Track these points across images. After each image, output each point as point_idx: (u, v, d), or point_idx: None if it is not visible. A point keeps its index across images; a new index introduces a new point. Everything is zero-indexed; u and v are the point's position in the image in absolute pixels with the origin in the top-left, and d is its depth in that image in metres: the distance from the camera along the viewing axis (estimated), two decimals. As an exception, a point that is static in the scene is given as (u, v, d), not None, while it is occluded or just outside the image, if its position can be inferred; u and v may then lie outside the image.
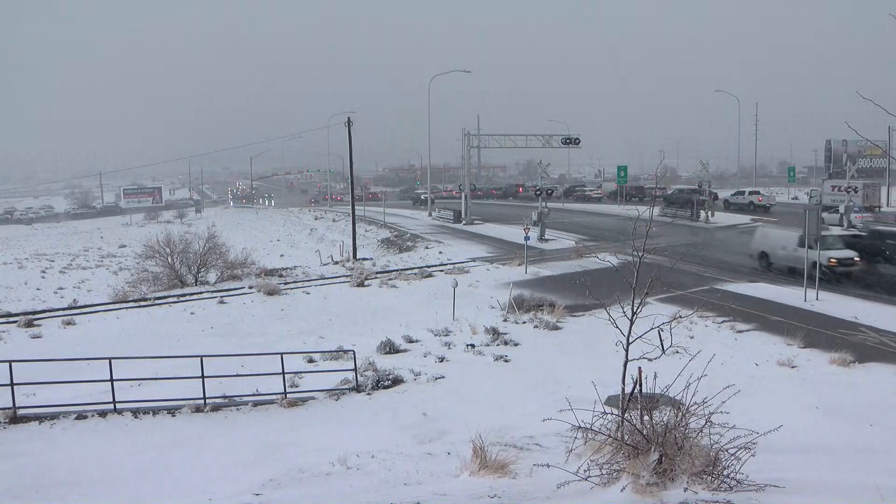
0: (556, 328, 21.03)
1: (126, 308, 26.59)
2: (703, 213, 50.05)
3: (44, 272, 46.21)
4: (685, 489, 6.47)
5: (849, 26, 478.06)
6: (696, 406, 7.06)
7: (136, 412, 13.67)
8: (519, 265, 31.71)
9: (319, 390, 15.38)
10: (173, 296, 28.79)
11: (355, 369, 15.90)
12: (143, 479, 10.53)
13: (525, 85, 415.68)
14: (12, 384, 13.06)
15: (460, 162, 75.75)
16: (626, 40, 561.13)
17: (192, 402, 14.07)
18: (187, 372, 14.54)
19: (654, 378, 7.37)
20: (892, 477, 7.57)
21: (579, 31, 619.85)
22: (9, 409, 13.07)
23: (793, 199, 66.67)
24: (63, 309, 27.17)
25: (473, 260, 34.88)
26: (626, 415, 7.25)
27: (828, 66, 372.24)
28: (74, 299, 31.14)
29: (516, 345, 19.38)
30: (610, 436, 7.14)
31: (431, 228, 51.31)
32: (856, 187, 44.92)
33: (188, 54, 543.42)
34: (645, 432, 6.94)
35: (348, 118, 40.79)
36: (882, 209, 48.82)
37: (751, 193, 60.06)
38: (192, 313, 25.13)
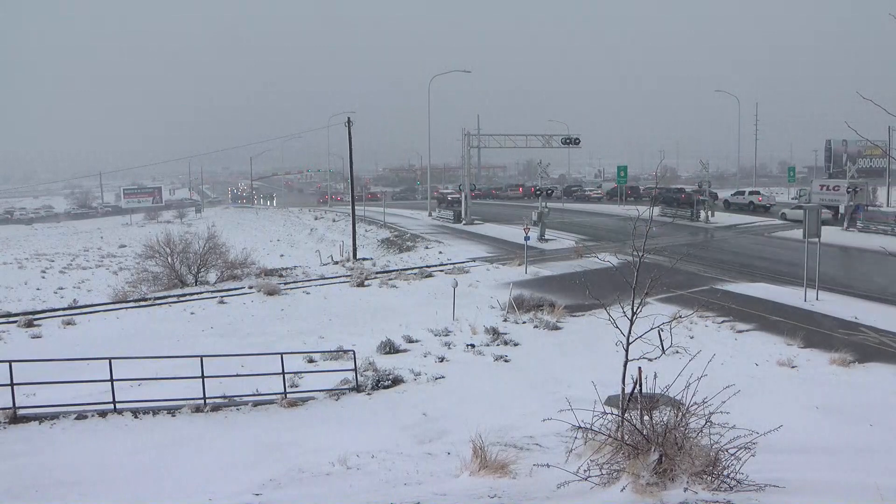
0: (556, 328, 21.02)
1: (126, 308, 26.59)
2: (703, 213, 50.12)
3: (44, 272, 46.21)
4: (685, 489, 6.46)
5: (849, 26, 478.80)
6: (696, 406, 7.05)
7: (136, 412, 13.66)
8: (519, 265, 31.70)
9: (319, 390, 15.37)
10: (173, 296, 28.79)
11: (355, 369, 15.89)
12: (143, 479, 10.52)
13: (525, 85, 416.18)
14: (12, 384, 13.05)
15: (460, 162, 75.70)
16: (626, 40, 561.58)
17: (192, 402, 14.06)
18: (187, 372, 14.54)
19: (654, 378, 7.36)
20: (892, 477, 7.57)
21: (579, 31, 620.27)
22: (9, 409, 13.06)
23: (793, 199, 66.73)
24: (63, 309, 27.18)
25: (473, 260, 34.87)
26: (626, 415, 7.25)
27: (828, 66, 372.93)
28: (74, 299, 31.14)
29: (516, 345, 19.37)
30: (610, 436, 7.13)
31: (431, 228, 51.31)
32: (855, 186, 44.87)
33: (188, 54, 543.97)
34: (645, 432, 6.94)
35: (348, 118, 40.78)
36: (883, 209, 48.86)
37: (751, 193, 60.12)
38: (192, 313, 25.13)
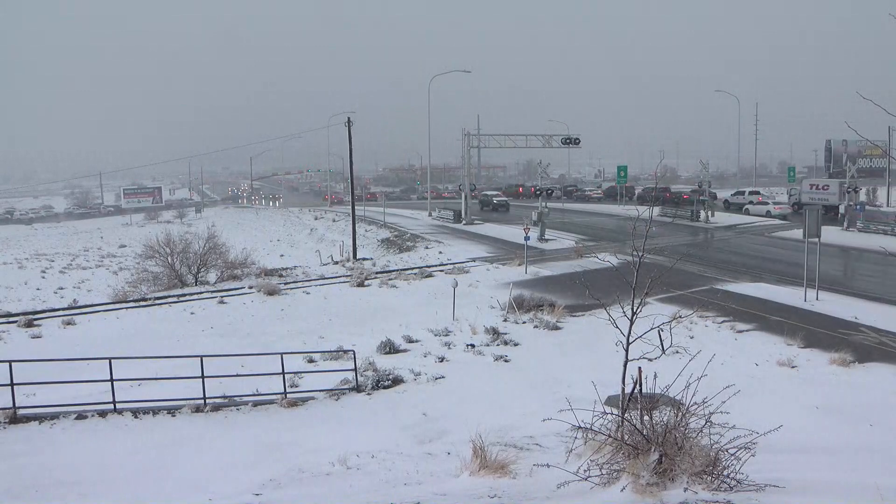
0: (556, 328, 21.02)
1: (126, 308, 26.58)
2: (702, 213, 50.14)
3: (44, 272, 46.20)
4: (685, 489, 6.46)
5: (849, 26, 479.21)
6: (696, 406, 7.05)
7: (136, 412, 13.65)
8: (519, 265, 31.70)
9: (319, 390, 15.37)
10: (173, 296, 28.79)
11: (355, 369, 15.89)
12: (143, 479, 10.52)
13: (525, 85, 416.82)
14: (12, 384, 13.04)
15: (460, 162, 75.71)
16: (626, 40, 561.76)
17: (192, 402, 14.06)
18: (187, 372, 14.53)
19: (654, 378, 7.36)
20: (892, 477, 7.57)
21: (579, 31, 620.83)
22: (9, 409, 13.05)
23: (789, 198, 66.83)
24: (63, 309, 27.16)
25: (473, 260, 34.86)
26: (626, 415, 7.25)
27: (828, 66, 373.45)
28: (74, 299, 31.15)
29: (516, 345, 19.37)
30: (610, 436, 7.13)
31: (431, 228, 51.30)
32: (855, 186, 44.95)
33: (188, 54, 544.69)
34: (645, 432, 6.94)
35: (348, 118, 40.77)
36: (883, 209, 48.94)
37: (751, 193, 60.15)
38: (192, 313, 25.13)
